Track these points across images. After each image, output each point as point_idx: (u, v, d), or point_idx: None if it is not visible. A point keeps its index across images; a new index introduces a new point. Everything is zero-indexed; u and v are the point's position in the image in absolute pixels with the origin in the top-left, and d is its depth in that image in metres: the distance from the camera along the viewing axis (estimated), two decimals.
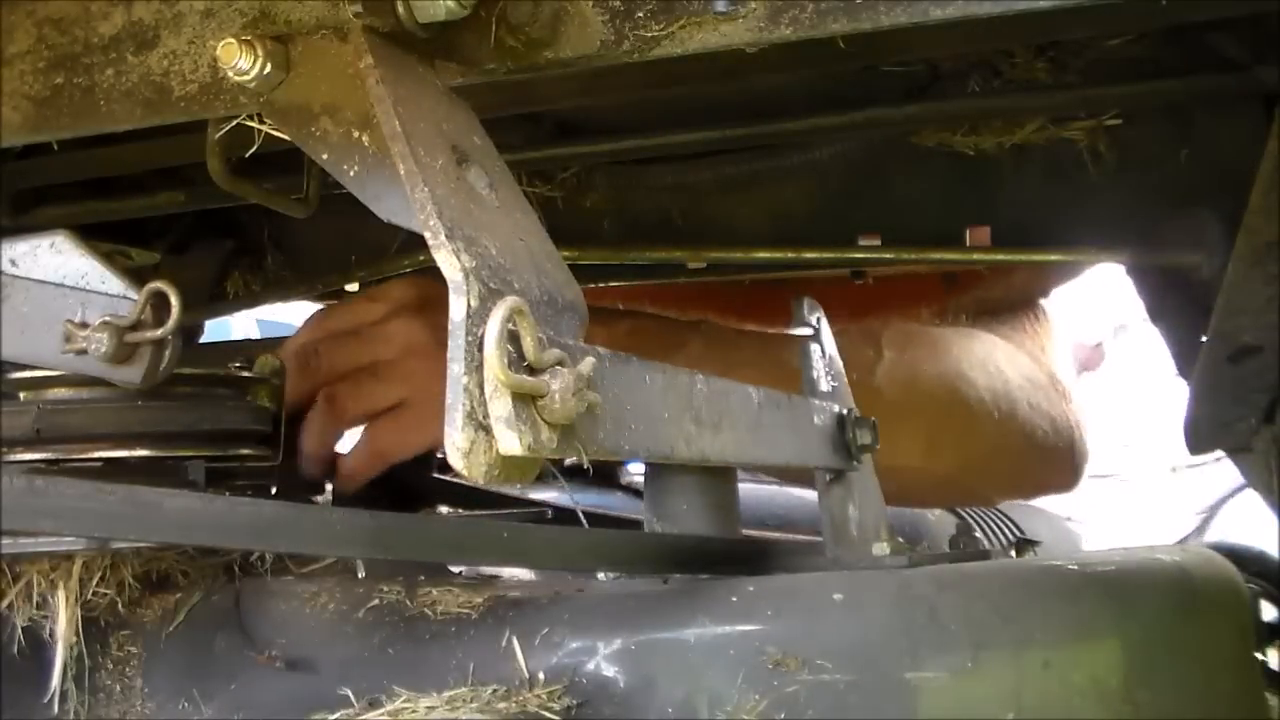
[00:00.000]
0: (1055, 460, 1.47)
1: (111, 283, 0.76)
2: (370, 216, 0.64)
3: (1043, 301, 1.62)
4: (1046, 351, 1.52)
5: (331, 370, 1.08)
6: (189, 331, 1.55)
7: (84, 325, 0.74)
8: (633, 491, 1.52)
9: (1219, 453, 0.99)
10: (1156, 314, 1.14)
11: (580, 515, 1.10)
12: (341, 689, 0.74)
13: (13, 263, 0.77)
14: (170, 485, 0.82)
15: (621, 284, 1.41)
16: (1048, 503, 2.15)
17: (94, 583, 0.81)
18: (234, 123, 0.69)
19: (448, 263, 0.54)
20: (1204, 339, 0.88)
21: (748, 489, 1.08)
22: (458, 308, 0.52)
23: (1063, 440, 1.44)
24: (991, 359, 1.40)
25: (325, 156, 0.65)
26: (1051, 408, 1.44)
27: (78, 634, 0.81)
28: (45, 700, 0.81)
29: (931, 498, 1.57)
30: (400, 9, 0.63)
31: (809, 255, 1.20)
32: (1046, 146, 1.14)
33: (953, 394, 1.33)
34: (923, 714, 0.66)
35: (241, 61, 0.64)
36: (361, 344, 1.10)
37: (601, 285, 1.39)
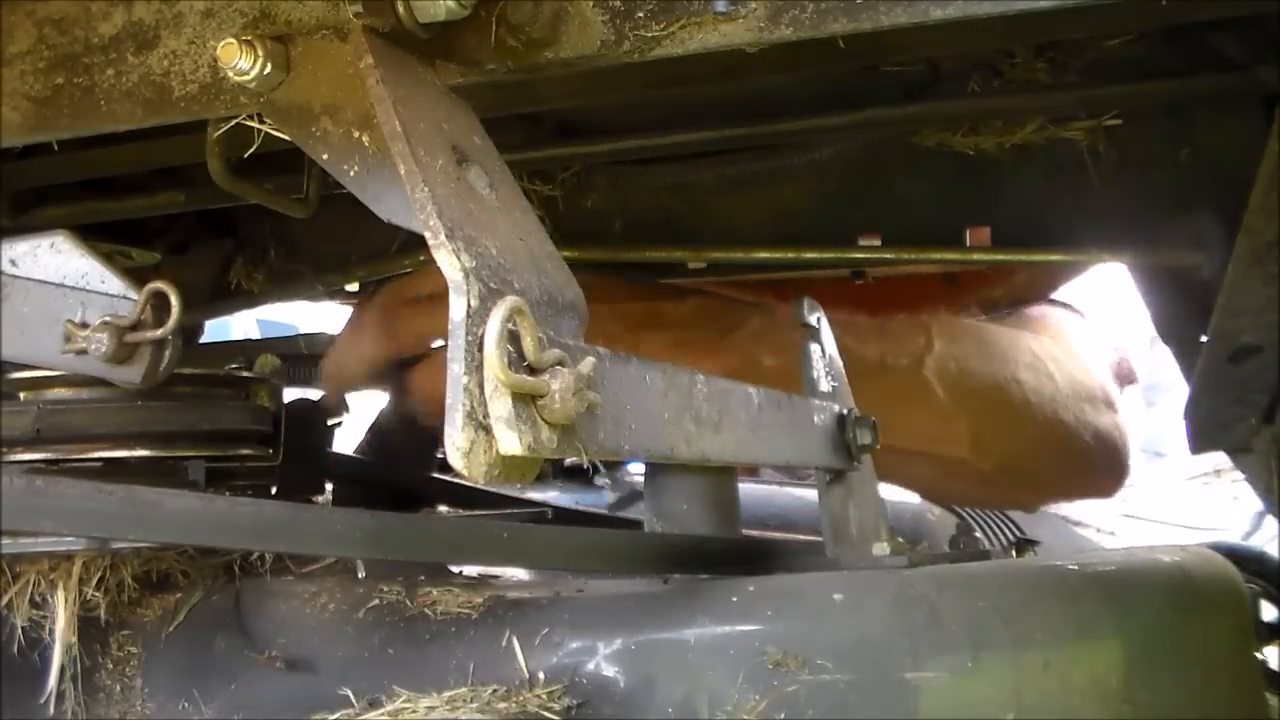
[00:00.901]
0: (1097, 469, 1.47)
1: (111, 283, 0.76)
2: (371, 216, 0.64)
3: (1082, 310, 1.61)
4: (1085, 358, 1.52)
5: (410, 333, 1.20)
6: (189, 331, 1.55)
7: (84, 325, 0.75)
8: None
9: None
10: (1157, 314, 1.15)
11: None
12: (341, 689, 0.74)
13: (13, 263, 0.77)
14: (170, 485, 0.82)
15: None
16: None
17: (94, 583, 0.81)
18: (234, 123, 0.69)
19: (448, 263, 0.54)
20: (1204, 339, 0.88)
21: (748, 489, 1.08)
22: (457, 307, 0.52)
23: (1105, 450, 1.44)
24: (1041, 364, 1.40)
25: (325, 156, 0.65)
26: (1097, 418, 1.44)
27: (76, 634, 0.81)
28: (43, 700, 0.80)
29: (974, 493, 1.57)
30: (400, 9, 0.63)
31: (809, 255, 1.20)
32: (1046, 146, 1.14)
33: (1000, 391, 1.34)
34: (923, 714, 0.66)
35: (242, 61, 0.65)
36: (437, 312, 1.18)
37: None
